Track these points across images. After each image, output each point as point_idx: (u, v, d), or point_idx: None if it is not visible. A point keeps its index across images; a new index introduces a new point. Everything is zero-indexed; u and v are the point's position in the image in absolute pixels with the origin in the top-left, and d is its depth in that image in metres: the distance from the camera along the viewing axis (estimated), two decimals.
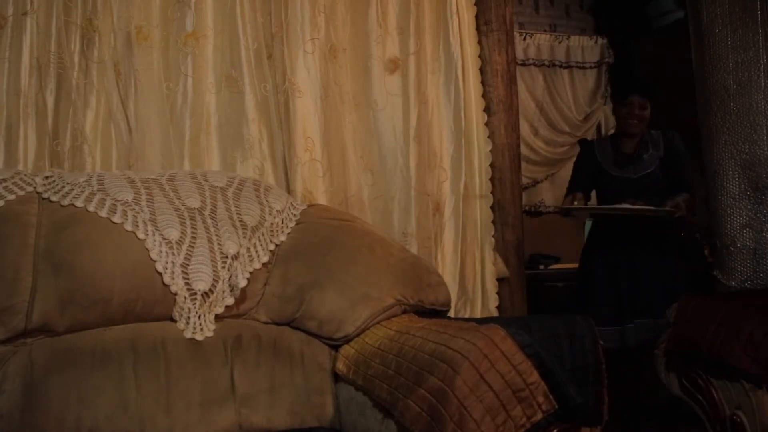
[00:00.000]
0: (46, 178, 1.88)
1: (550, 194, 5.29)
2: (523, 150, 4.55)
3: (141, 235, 1.78)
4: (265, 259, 1.91)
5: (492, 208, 2.72)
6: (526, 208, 5.00)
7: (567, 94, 5.42)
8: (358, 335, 1.78)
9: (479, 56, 2.74)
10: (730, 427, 1.88)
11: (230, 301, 1.82)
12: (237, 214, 1.94)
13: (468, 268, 2.61)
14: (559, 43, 5.42)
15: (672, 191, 3.05)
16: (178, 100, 2.25)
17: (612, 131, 3.39)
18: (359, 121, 2.51)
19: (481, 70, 2.74)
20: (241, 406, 1.67)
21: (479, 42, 2.75)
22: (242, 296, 1.85)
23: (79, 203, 1.79)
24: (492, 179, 2.73)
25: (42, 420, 1.53)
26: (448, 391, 1.33)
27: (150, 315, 1.76)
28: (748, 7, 2.54)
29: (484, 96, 2.74)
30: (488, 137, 2.73)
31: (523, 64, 5.21)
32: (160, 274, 1.76)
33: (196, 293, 1.77)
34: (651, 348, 2.28)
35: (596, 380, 1.47)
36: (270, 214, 2.00)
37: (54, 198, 1.81)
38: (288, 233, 2.00)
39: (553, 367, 1.40)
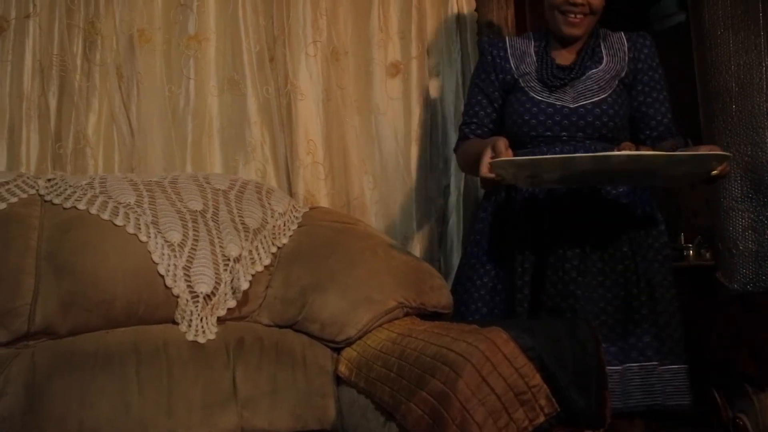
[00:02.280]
0: (49, 180, 1.88)
1: None
2: None
3: (143, 238, 1.78)
4: (267, 261, 1.91)
5: None
6: None
7: None
8: (360, 338, 1.77)
9: None
10: (733, 430, 1.88)
11: (232, 303, 1.82)
12: (239, 216, 1.94)
13: None
14: None
15: (649, 135, 1.95)
16: (180, 103, 2.25)
17: None
18: (361, 124, 2.51)
19: None
20: (243, 408, 1.67)
21: None
22: (244, 299, 1.84)
23: (81, 206, 1.80)
24: None
25: (44, 423, 1.53)
26: (450, 394, 1.32)
27: (152, 317, 1.76)
28: (750, 10, 2.54)
29: None
30: None
31: None
32: (162, 276, 1.76)
33: (198, 296, 1.77)
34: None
35: (599, 383, 1.46)
36: (272, 216, 2.00)
37: (56, 200, 1.81)
38: (290, 236, 2.00)
39: (555, 370, 1.40)
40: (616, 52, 1.95)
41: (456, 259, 2.58)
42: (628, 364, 1.79)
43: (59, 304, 1.68)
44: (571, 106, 1.86)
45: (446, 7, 2.65)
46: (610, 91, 1.89)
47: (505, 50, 1.98)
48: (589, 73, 1.89)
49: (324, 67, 2.43)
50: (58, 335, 1.69)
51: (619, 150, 1.60)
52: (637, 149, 1.65)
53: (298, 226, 2.03)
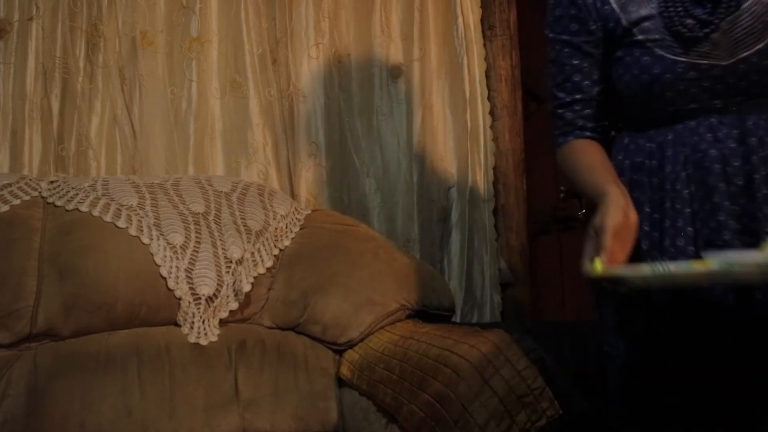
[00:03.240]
0: (51, 182, 1.88)
1: None
2: None
3: (145, 240, 1.78)
4: (269, 263, 1.91)
5: (496, 213, 2.72)
6: None
7: None
8: (362, 340, 1.78)
9: (484, 59, 2.74)
10: None
11: (234, 305, 1.82)
12: (241, 218, 1.94)
13: (475, 273, 2.61)
14: None
15: None
16: (182, 105, 2.26)
17: None
18: (363, 126, 2.51)
19: (486, 75, 2.74)
20: (245, 410, 1.67)
21: (483, 46, 2.75)
22: (246, 301, 1.85)
23: (83, 208, 1.80)
24: (496, 184, 2.73)
25: (46, 424, 1.53)
26: (452, 396, 1.32)
27: (154, 319, 1.77)
28: None
29: (489, 100, 2.74)
30: (493, 141, 2.73)
31: None
32: (164, 278, 1.76)
33: (200, 298, 1.77)
34: None
35: (601, 386, 1.46)
36: (274, 218, 2.00)
37: (59, 202, 1.81)
38: (292, 238, 2.00)
39: (557, 373, 1.40)
40: None
41: (457, 261, 2.58)
42: None
43: (61, 306, 1.68)
44: (725, 63, 1.20)
45: (448, 9, 2.65)
46: None
47: None
48: (746, 5, 1.20)
49: (326, 69, 2.43)
50: (60, 337, 1.69)
51: None
52: None
53: (300, 229, 2.03)
